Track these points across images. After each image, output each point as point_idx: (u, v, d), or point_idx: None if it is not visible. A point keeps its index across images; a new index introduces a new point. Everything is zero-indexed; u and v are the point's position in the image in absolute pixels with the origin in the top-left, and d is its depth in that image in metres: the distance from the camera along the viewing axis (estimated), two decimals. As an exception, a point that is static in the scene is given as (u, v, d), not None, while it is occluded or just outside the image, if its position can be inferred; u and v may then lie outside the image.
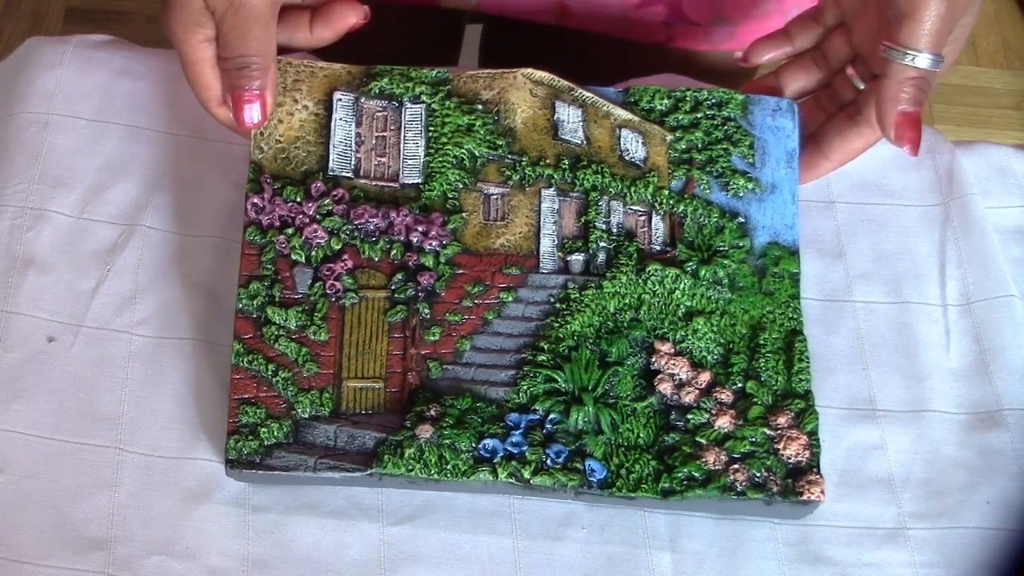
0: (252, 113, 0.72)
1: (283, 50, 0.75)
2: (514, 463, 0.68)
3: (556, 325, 0.72)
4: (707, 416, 0.71)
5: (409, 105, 0.75)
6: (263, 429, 0.69)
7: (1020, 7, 2.03)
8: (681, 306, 0.73)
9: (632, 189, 0.75)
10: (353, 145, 0.75)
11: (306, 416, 0.70)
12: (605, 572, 0.70)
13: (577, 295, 0.73)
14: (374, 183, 0.74)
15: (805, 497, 0.69)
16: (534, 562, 0.70)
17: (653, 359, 0.72)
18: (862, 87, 0.76)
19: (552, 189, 0.75)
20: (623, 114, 0.77)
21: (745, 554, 0.71)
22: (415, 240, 0.73)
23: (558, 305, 0.73)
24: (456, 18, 1.10)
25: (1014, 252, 0.83)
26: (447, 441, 0.68)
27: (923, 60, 0.69)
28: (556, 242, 0.74)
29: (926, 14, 0.68)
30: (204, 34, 0.71)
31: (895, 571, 0.71)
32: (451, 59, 1.17)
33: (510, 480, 0.68)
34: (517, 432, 0.69)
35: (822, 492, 0.69)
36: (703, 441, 0.70)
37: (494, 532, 0.71)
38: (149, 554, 0.69)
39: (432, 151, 0.75)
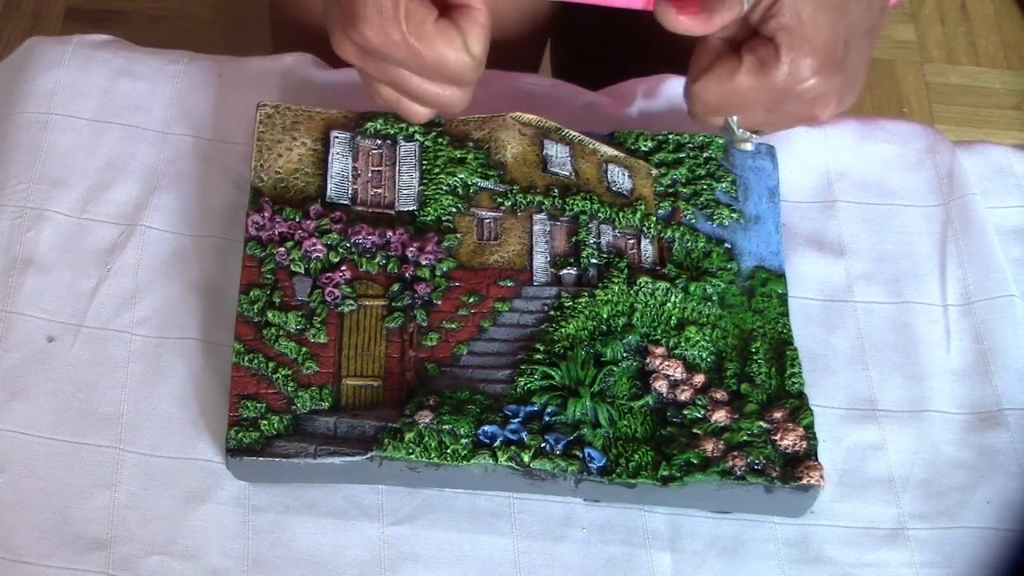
0: None
1: None
2: (513, 448, 0.69)
3: (551, 330, 0.73)
4: (703, 412, 0.71)
5: (403, 143, 0.78)
6: (263, 422, 0.69)
7: (1020, 7, 2.03)
8: (673, 317, 0.74)
9: (620, 215, 0.78)
10: (350, 177, 0.77)
11: (306, 411, 0.70)
12: (605, 572, 0.70)
13: (571, 303, 0.74)
14: (371, 210, 0.76)
15: (804, 481, 0.69)
16: (534, 562, 0.70)
17: (648, 360, 0.73)
18: None
19: (543, 214, 0.77)
20: (609, 151, 0.80)
21: (745, 554, 0.71)
22: (411, 255, 0.75)
23: (552, 312, 0.74)
24: (544, 10, 1.06)
25: (1014, 252, 0.83)
26: (446, 426, 0.69)
27: None
28: (548, 259, 0.76)
29: None
30: None
31: (895, 571, 0.71)
32: (534, 59, 1.12)
33: (510, 464, 0.69)
34: (515, 420, 0.70)
35: (821, 477, 0.69)
36: (700, 432, 0.71)
37: (494, 532, 0.71)
38: (149, 554, 0.69)
39: (426, 181, 0.77)
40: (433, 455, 0.68)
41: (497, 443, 0.69)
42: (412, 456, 0.68)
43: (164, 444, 0.72)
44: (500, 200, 0.77)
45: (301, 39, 0.96)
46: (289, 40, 1.00)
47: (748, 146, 0.74)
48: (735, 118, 0.71)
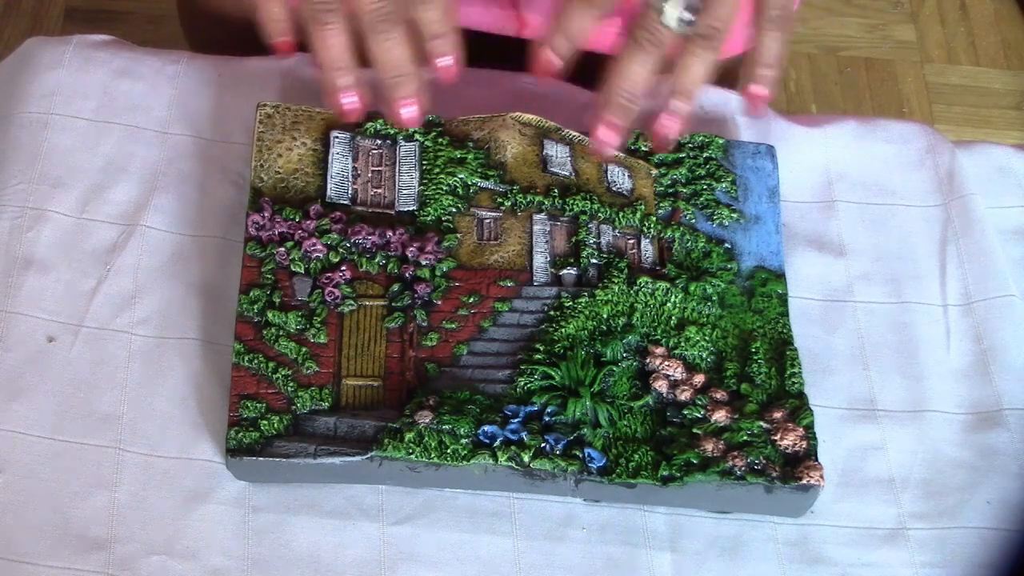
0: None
1: None
2: (513, 448, 0.69)
3: (551, 330, 0.73)
4: (703, 412, 0.71)
5: (403, 143, 0.78)
6: (263, 422, 0.69)
7: (1020, 7, 2.03)
8: (673, 317, 0.74)
9: (620, 215, 0.78)
10: (350, 177, 0.77)
11: (306, 411, 0.70)
12: (605, 572, 0.70)
13: (571, 303, 0.74)
14: (371, 210, 0.76)
15: (804, 481, 0.69)
16: (534, 562, 0.70)
17: (648, 360, 0.73)
18: None
19: (543, 214, 0.77)
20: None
21: (745, 554, 0.71)
22: (411, 255, 0.75)
23: (552, 312, 0.74)
24: None
25: (1014, 252, 0.83)
26: (446, 426, 0.69)
27: None
28: (548, 259, 0.76)
29: None
30: None
31: (895, 571, 0.71)
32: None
33: (510, 464, 0.69)
34: (515, 420, 0.70)
35: (821, 477, 0.69)
36: (700, 432, 0.71)
37: (494, 532, 0.71)
38: (149, 554, 0.69)
39: (426, 181, 0.77)
40: (433, 455, 0.68)
41: (497, 443, 0.69)
42: (412, 456, 0.68)
43: (164, 444, 0.72)
44: (500, 200, 0.77)
45: (210, 27, 0.97)
46: (199, 30, 1.02)
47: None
48: None
